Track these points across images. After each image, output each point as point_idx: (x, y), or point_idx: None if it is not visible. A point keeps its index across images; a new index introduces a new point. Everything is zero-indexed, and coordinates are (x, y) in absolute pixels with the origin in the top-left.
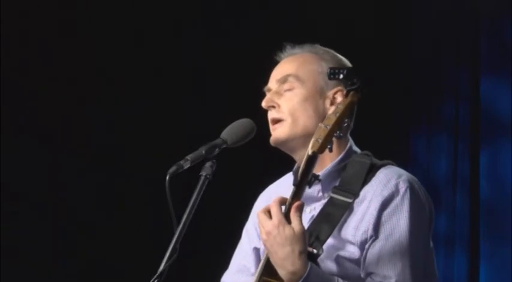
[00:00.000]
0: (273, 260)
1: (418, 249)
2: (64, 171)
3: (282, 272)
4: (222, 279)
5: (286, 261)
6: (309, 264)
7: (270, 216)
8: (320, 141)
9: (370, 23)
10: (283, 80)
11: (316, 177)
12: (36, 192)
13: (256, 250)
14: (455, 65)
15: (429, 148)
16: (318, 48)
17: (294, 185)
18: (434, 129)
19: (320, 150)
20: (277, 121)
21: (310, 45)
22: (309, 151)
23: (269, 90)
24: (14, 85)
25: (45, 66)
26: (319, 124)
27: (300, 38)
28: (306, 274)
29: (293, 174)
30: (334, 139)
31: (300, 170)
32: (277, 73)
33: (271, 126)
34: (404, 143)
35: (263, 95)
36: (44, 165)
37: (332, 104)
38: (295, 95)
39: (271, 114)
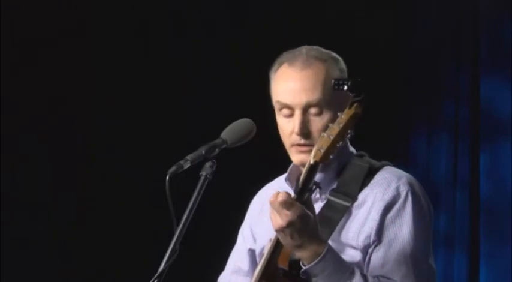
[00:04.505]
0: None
1: (421, 251)
2: (64, 171)
3: (304, 253)
4: (218, 280)
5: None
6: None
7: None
8: (322, 151)
9: (370, 23)
10: (309, 105)
11: (317, 184)
12: (36, 192)
13: (252, 252)
14: (455, 65)
15: (429, 148)
16: (323, 54)
17: (295, 192)
18: (434, 129)
19: (322, 160)
20: (306, 145)
21: (315, 50)
22: (311, 160)
23: (289, 107)
24: (13, 84)
25: (45, 67)
26: (322, 133)
27: (300, 38)
28: (326, 249)
29: (285, 180)
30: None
31: (302, 178)
32: (302, 95)
33: (298, 148)
34: (404, 143)
35: (282, 106)
36: (44, 165)
37: None
38: (322, 119)
39: (301, 140)
